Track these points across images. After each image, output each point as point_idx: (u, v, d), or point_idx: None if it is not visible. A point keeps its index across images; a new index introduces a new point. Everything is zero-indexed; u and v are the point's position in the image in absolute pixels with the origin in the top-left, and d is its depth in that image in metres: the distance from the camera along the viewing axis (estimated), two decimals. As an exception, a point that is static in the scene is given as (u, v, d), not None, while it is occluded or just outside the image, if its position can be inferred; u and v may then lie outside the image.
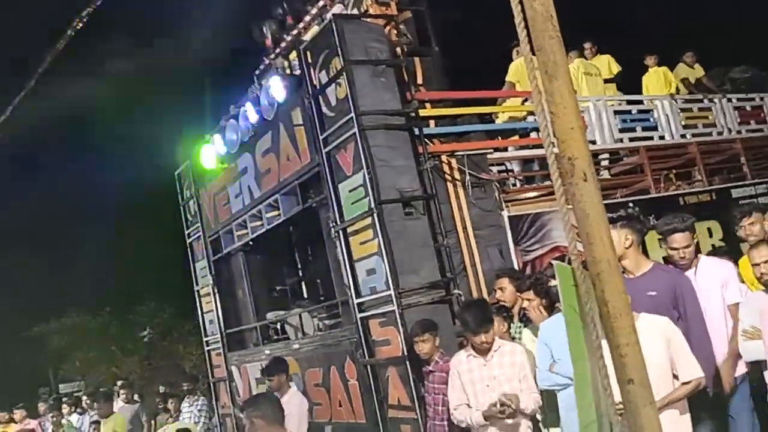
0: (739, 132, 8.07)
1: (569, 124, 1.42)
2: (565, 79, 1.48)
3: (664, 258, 6.10)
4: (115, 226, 18.07)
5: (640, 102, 7.81)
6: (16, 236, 18.81)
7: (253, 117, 6.40)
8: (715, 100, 8.08)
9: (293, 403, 5.30)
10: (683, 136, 7.57)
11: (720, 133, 7.91)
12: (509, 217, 5.78)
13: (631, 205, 5.88)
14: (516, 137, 6.67)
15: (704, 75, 8.95)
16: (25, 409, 10.07)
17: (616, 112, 7.14)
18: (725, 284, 3.74)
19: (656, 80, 8.71)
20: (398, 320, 4.89)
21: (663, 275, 3.52)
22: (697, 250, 4.09)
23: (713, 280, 3.71)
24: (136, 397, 9.04)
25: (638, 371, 1.52)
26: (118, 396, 8.76)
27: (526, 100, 6.74)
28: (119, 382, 9.98)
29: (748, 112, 8.36)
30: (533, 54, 1.57)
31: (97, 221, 18.14)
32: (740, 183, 7.60)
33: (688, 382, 3.02)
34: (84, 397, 9.52)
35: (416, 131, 5.43)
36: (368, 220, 5.13)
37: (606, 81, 8.22)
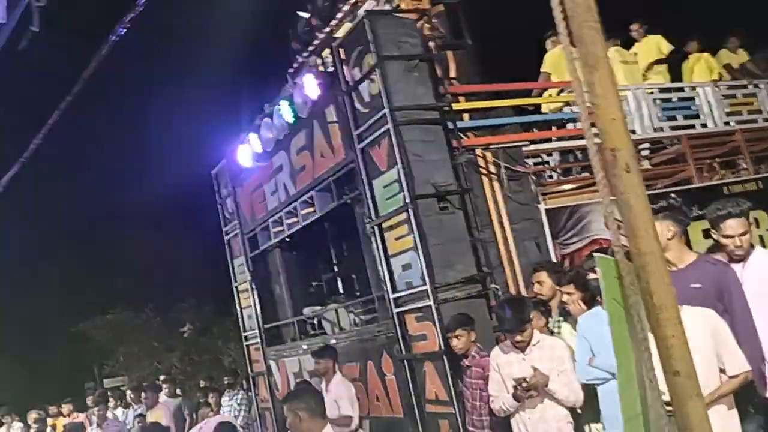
0: (786, 118, 7.76)
1: (611, 115, 1.40)
2: (606, 70, 1.45)
3: (708, 249, 5.95)
4: (155, 226, 18.54)
5: (681, 89, 7.58)
6: (61, 236, 19.48)
7: (288, 115, 6.47)
8: (761, 85, 7.79)
9: (341, 387, 5.39)
10: (727, 123, 7.33)
11: (766, 120, 7.63)
12: (546, 210, 5.69)
13: (673, 195, 5.72)
14: (552, 129, 6.57)
15: (749, 60, 8.63)
16: (72, 404, 10.45)
17: (656, 101, 6.96)
18: None
19: (698, 67, 8.44)
20: (434, 315, 4.89)
21: (708, 267, 3.40)
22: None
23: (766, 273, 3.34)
24: (178, 391, 9.28)
25: (684, 363, 1.49)
26: (161, 390, 9.00)
27: (562, 90, 6.63)
28: (162, 377, 10.25)
29: (797, 97, 8.02)
30: (572, 45, 1.55)
31: (139, 221, 18.63)
32: (788, 171, 7.31)
33: (735, 376, 2.94)
34: (128, 392, 9.82)
35: (450, 125, 5.40)
36: (403, 216, 5.14)
37: (658, 62, 8.00)
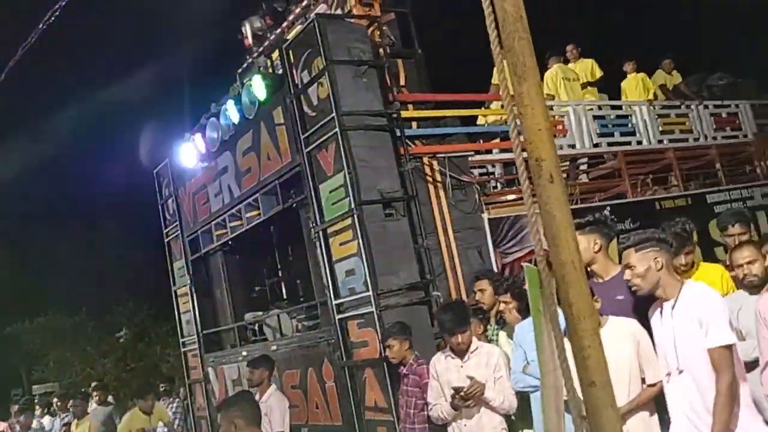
0: (714, 138, 8.22)
1: (537, 126, 1.42)
2: (534, 81, 1.47)
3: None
4: (94, 226, 17.80)
5: (619, 107, 7.90)
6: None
7: (235, 116, 6.35)
8: (692, 106, 8.21)
9: (273, 399, 5.30)
10: (660, 141, 7.68)
11: (696, 140, 8.04)
12: (489, 220, 5.81)
13: (608, 209, 5.94)
14: (497, 140, 6.71)
15: (682, 81, 9.10)
16: (-6, 411, 9.86)
17: (595, 117, 7.22)
18: (704, 322, 2.74)
19: (635, 86, 8.83)
20: (376, 322, 4.88)
21: None
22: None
23: (688, 314, 2.79)
24: (110, 398, 8.90)
25: (600, 374, 1.51)
26: (92, 398, 8.62)
27: (506, 103, 6.78)
28: (93, 384, 9.82)
29: (724, 119, 8.52)
30: (503, 56, 1.57)
31: (76, 220, 17.86)
32: (715, 188, 7.73)
33: (654, 384, 3.06)
34: (55, 399, 9.35)
35: (398, 132, 5.43)
36: (348, 221, 5.12)
37: (589, 84, 8.30)
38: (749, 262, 3.48)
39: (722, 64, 9.48)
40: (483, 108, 7.06)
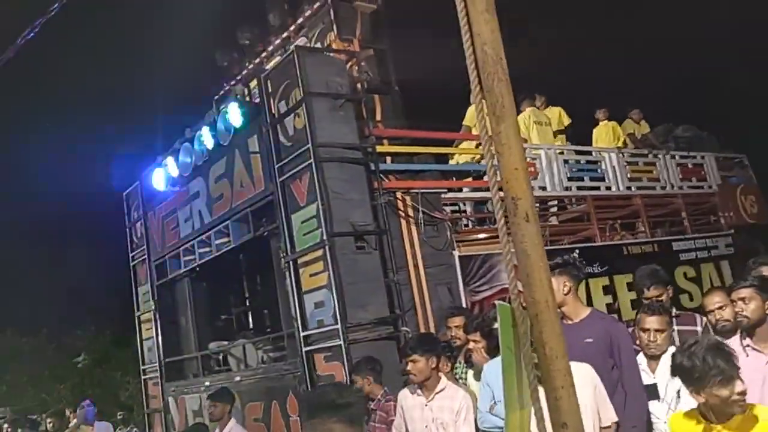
0: (680, 188, 8.46)
1: (514, 165, 1.45)
2: (512, 121, 1.50)
3: (607, 306, 6.29)
4: (59, 245, 17.29)
5: (589, 153, 8.10)
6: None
7: (209, 141, 6.33)
8: (660, 156, 8.46)
9: None
10: (628, 188, 7.87)
11: (663, 188, 8.26)
12: (460, 257, 5.83)
13: (577, 252, 6.03)
14: (470, 179, 6.80)
15: (650, 131, 9.40)
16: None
17: (565, 161, 7.38)
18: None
19: (605, 133, 9.07)
20: (344, 355, 4.82)
21: (600, 322, 3.56)
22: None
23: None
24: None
25: (572, 415, 1.51)
26: (45, 425, 8.24)
27: (480, 144, 6.91)
28: (46, 412, 9.40)
29: (690, 170, 8.80)
30: (483, 96, 1.60)
31: (41, 239, 17.33)
32: (680, 237, 7.92)
33: (608, 427, 3.09)
34: (5, 426, 8.91)
35: (372, 166, 5.48)
36: (319, 252, 5.09)
37: (557, 132, 8.50)
38: (720, 308, 3.57)
39: (686, 118, 9.84)
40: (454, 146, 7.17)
